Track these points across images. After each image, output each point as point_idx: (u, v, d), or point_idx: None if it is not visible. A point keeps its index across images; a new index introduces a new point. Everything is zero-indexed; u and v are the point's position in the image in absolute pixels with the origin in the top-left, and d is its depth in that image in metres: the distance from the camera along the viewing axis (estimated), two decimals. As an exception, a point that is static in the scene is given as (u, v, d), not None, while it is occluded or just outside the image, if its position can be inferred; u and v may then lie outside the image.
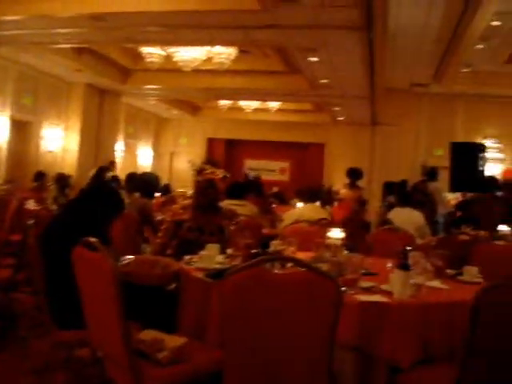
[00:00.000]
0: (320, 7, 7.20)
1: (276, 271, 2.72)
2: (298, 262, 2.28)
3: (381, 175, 14.01)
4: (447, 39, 10.54)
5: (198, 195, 4.38)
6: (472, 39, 10.08)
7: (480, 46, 11.42)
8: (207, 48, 10.01)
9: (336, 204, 9.05)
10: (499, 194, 8.03)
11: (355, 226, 7.52)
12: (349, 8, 7.24)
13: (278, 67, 11.77)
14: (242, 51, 10.95)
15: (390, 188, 10.76)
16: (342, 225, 8.17)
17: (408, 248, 2.72)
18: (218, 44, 9.75)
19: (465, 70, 13.50)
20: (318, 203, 6.85)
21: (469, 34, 9.62)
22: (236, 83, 12.54)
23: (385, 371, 2.74)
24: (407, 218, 6.21)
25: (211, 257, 3.47)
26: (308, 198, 5.77)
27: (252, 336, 2.28)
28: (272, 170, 17.49)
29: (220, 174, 4.40)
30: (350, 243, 6.66)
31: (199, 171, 4.34)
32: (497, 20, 9.59)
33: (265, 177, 16.11)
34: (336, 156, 16.02)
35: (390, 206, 8.43)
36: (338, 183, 12.15)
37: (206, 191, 4.31)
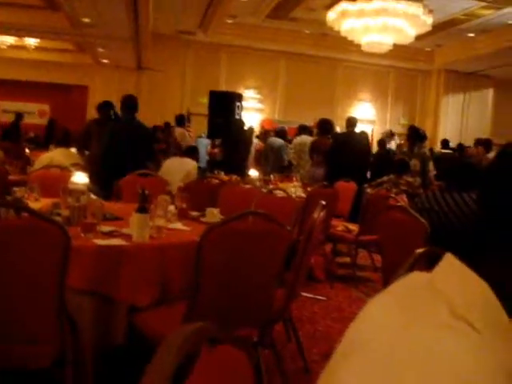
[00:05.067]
0: None
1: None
2: (21, 209, 2.15)
3: (146, 120, 13.91)
4: (212, -12, 10.72)
5: None
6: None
7: (244, -1, 11.85)
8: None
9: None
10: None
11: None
12: None
13: (36, 1, 10.85)
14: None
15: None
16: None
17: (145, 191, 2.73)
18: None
19: (229, 21, 13.93)
20: (73, 148, 6.58)
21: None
22: (-13, 15, 11.29)
23: (124, 312, 2.76)
24: (179, 165, 6.33)
25: None
26: (61, 142, 5.49)
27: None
28: (30, 113, 16.22)
29: None
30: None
31: None
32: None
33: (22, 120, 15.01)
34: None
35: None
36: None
37: None
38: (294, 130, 9.63)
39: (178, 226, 3.18)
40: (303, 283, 3.48)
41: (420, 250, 1.68)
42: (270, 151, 8.83)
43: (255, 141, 10.53)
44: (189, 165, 6.39)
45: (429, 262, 1.74)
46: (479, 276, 0.60)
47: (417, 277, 0.68)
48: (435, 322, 0.57)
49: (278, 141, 8.99)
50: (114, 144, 5.78)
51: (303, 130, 8.70)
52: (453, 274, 0.62)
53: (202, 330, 0.71)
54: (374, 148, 11.56)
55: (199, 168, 8.77)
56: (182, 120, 10.29)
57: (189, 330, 0.70)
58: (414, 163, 7.28)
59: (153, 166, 6.44)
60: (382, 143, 10.66)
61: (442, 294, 0.60)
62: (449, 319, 0.57)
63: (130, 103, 5.94)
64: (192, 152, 6.77)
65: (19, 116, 12.83)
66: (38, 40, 14.26)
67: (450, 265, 0.63)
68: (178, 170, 6.27)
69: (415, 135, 7.75)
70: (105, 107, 6.62)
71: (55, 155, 5.28)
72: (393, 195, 5.21)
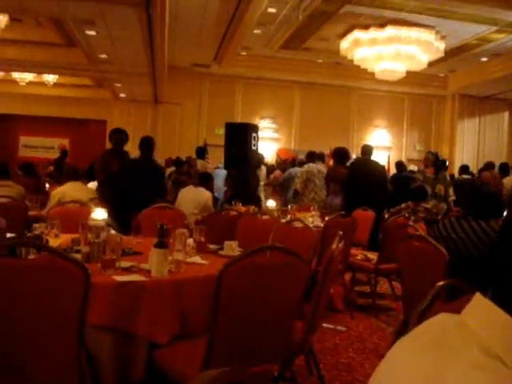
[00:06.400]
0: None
1: (31, 257, 2.59)
2: (41, 247, 2.17)
3: (164, 153, 14.08)
4: (226, 23, 10.87)
5: None
6: (250, 24, 10.53)
7: (257, 31, 12.02)
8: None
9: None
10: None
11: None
12: (126, -18, 7.12)
13: (54, 39, 11.12)
14: (13, 19, 10.14)
15: (177, 165, 11.11)
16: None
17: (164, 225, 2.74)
18: (-14, 10, 8.92)
19: (243, 53, 14.12)
20: (93, 183, 6.67)
21: (246, 19, 10.02)
22: (7, 53, 11.59)
23: (144, 348, 2.76)
24: (194, 196, 6.39)
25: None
26: (71, 176, 5.65)
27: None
28: (50, 148, 16.48)
29: None
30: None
31: None
32: (272, 7, 10.16)
33: (42, 154, 15.26)
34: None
35: (178, 183, 8.57)
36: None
37: None
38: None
39: (197, 259, 3.19)
40: (323, 314, 3.45)
41: (440, 283, 1.67)
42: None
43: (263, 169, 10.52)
44: (203, 196, 6.43)
45: (449, 294, 1.72)
46: (504, 309, 0.60)
47: (445, 318, 0.68)
48: (465, 361, 0.58)
49: None
50: (130, 179, 6.19)
51: (310, 157, 8.71)
52: (482, 313, 0.62)
53: (221, 376, 0.72)
54: (391, 174, 11.54)
55: (216, 199, 8.82)
56: (202, 152, 10.46)
57: (208, 377, 0.70)
58: (439, 188, 7.34)
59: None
60: (400, 165, 10.61)
61: (472, 333, 0.61)
62: (478, 357, 0.58)
63: (147, 143, 6.46)
64: (206, 180, 6.78)
65: (65, 153, 12.87)
66: (57, 76, 14.58)
67: (479, 304, 0.64)
68: (193, 200, 6.32)
69: (438, 161, 7.80)
70: (115, 133, 6.67)
71: (67, 190, 5.38)
72: (411, 223, 5.18)
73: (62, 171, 10.97)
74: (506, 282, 0.64)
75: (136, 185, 6.11)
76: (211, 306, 2.39)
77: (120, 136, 6.56)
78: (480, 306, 0.63)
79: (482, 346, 0.59)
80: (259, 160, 9.06)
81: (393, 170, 14.51)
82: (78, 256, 2.83)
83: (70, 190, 5.32)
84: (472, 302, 0.65)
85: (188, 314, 2.73)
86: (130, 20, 8.51)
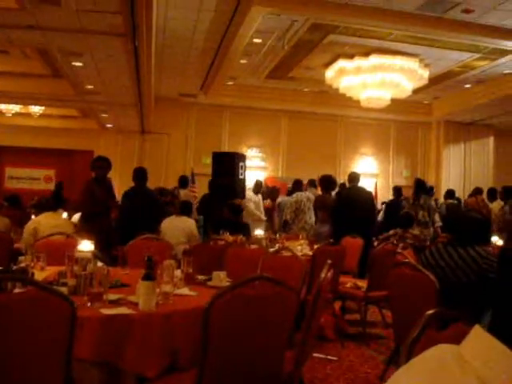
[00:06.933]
0: (83, 11, 7.04)
1: (17, 290, 2.56)
2: (27, 281, 2.14)
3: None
4: (213, 53, 10.98)
5: None
6: (236, 54, 10.63)
7: (244, 61, 12.13)
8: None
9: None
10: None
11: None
12: (112, 14, 7.17)
13: (41, 70, 11.15)
14: (0, 51, 10.19)
15: (160, 195, 11.07)
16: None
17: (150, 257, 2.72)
18: (-28, 42, 8.94)
19: (230, 83, 14.22)
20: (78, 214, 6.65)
21: (233, 49, 10.12)
22: (-7, 85, 11.60)
23: (133, 382, 2.71)
24: (179, 225, 6.40)
25: None
26: (49, 206, 5.71)
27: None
28: (36, 179, 16.41)
29: None
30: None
31: None
32: (257, 38, 10.27)
33: (28, 186, 15.16)
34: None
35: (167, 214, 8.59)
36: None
37: None
38: (305, 186, 9.65)
39: (185, 291, 3.16)
40: (313, 344, 3.41)
41: (429, 313, 1.66)
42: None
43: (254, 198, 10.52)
44: (187, 223, 6.44)
45: (440, 322, 1.71)
46: (503, 340, 0.60)
47: (442, 350, 0.67)
48: None
49: None
50: (129, 208, 6.60)
51: (297, 185, 8.70)
52: (480, 346, 0.62)
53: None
54: (378, 201, 11.58)
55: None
56: (184, 182, 10.45)
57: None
58: (423, 214, 7.37)
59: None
60: (396, 192, 10.65)
61: (470, 365, 0.60)
62: None
63: (142, 173, 6.98)
64: (188, 208, 6.82)
65: (60, 184, 12.80)
66: (43, 107, 14.57)
67: (478, 336, 0.63)
68: (178, 228, 6.32)
69: (419, 187, 7.83)
70: (97, 161, 6.73)
71: (42, 219, 5.39)
72: (399, 250, 5.18)
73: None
74: (504, 313, 0.63)
75: (137, 214, 6.42)
76: (200, 338, 2.36)
77: (102, 163, 6.57)
78: (478, 338, 0.63)
79: (480, 378, 0.58)
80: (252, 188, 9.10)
81: (380, 197, 14.60)
82: (64, 289, 2.79)
83: (44, 220, 5.32)
84: (470, 335, 0.65)
85: (176, 346, 2.69)
86: (117, 51, 8.57)
